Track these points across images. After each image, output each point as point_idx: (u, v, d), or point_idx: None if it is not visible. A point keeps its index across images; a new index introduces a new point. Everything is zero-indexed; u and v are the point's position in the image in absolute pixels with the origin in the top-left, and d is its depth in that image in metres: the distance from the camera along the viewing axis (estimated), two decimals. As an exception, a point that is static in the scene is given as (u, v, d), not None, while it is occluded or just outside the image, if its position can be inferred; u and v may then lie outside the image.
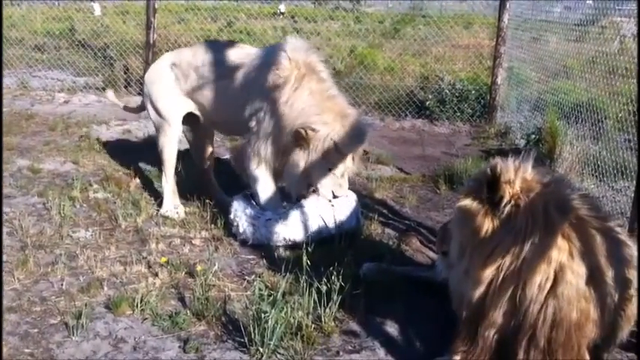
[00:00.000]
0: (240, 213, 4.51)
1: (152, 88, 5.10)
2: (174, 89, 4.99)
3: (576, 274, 2.69)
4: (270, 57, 4.66)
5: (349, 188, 4.67)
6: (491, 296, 2.78)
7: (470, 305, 2.86)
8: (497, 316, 2.78)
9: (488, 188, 2.81)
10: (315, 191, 4.54)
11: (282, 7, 14.38)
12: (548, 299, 2.69)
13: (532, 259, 2.70)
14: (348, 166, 4.53)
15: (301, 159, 4.42)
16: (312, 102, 4.41)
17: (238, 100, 4.71)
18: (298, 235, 4.37)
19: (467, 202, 2.92)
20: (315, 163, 4.41)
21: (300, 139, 4.36)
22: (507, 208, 2.80)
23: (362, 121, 4.63)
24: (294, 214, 4.41)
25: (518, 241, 2.74)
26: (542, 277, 2.69)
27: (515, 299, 2.74)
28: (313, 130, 4.33)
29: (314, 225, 4.39)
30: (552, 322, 2.69)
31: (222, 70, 4.83)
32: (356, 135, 4.45)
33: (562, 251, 2.71)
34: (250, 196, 4.69)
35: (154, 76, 5.14)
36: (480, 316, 2.83)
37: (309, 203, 4.48)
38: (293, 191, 4.63)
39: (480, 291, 2.80)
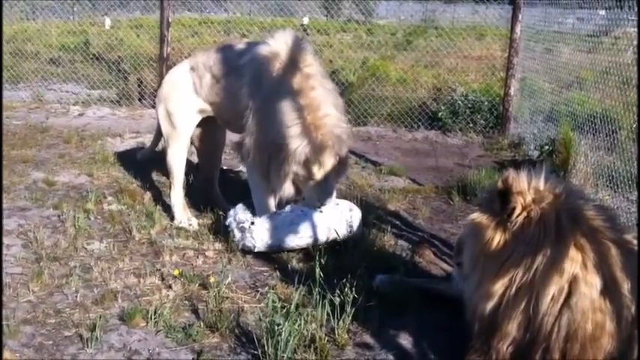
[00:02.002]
0: (231, 219, 4.55)
1: (170, 93, 5.07)
2: (191, 95, 4.97)
3: (590, 285, 2.67)
4: (255, 51, 4.67)
5: (347, 199, 4.71)
6: (505, 308, 2.76)
7: (483, 317, 2.85)
8: (511, 328, 2.76)
9: (501, 199, 2.80)
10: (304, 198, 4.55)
11: (306, 20, 14.43)
12: (562, 311, 2.67)
13: (545, 271, 2.68)
14: (327, 170, 4.39)
15: (279, 167, 4.40)
16: (287, 110, 4.33)
17: (236, 96, 4.73)
18: (284, 242, 4.37)
19: (479, 215, 2.91)
20: (293, 172, 4.38)
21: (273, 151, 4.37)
22: (519, 219, 2.79)
23: (336, 129, 4.41)
24: (280, 221, 4.40)
25: (530, 253, 2.73)
26: (555, 288, 2.67)
27: (528, 311, 2.72)
28: (284, 144, 4.30)
29: (300, 232, 4.37)
30: (567, 334, 2.67)
31: (226, 67, 4.84)
32: (329, 146, 4.32)
33: (575, 262, 2.69)
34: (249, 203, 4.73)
35: (172, 81, 5.12)
36: (493, 329, 2.81)
37: (297, 209, 4.47)
38: (278, 194, 4.59)
39: (492, 303, 2.79)
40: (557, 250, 2.68)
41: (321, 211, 4.43)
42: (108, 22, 13.39)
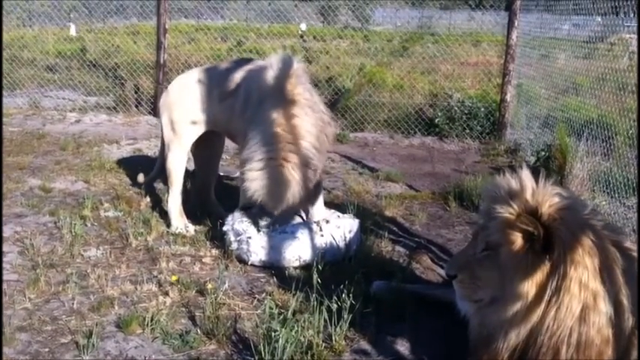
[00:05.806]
0: (229, 227, 4.54)
1: (175, 101, 5.06)
2: (197, 107, 4.97)
3: (607, 302, 2.65)
4: (250, 71, 4.80)
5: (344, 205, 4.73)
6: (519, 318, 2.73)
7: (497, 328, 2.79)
8: (518, 337, 2.73)
9: (545, 242, 2.73)
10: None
11: (303, 26, 14.51)
12: (575, 325, 2.64)
13: (564, 285, 2.65)
14: (291, 195, 4.47)
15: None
16: (265, 133, 4.41)
17: (233, 113, 4.77)
18: (279, 262, 4.35)
19: (514, 239, 2.81)
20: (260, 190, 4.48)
21: None
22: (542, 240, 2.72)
23: (309, 158, 4.49)
24: (278, 240, 4.37)
25: (553, 269, 2.68)
26: (572, 302, 2.64)
27: (540, 321, 2.69)
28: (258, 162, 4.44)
29: (297, 253, 4.34)
30: (577, 346, 2.65)
31: (229, 84, 4.86)
32: (296, 173, 4.43)
33: (592, 276, 2.66)
34: (245, 210, 4.72)
35: (179, 90, 5.10)
36: (496, 337, 2.78)
37: (297, 229, 4.46)
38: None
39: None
40: (576, 264, 2.65)
41: (321, 235, 4.42)
42: (73, 28, 13.28)
